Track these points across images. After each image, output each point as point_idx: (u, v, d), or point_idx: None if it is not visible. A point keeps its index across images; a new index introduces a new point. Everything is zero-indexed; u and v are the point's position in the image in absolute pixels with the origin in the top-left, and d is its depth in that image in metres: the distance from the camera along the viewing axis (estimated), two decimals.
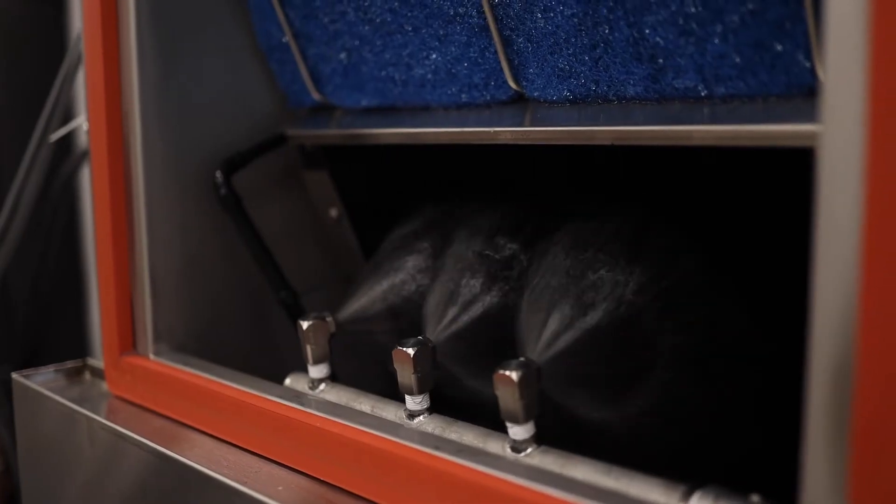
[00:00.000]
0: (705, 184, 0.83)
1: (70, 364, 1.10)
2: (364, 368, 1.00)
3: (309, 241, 1.08)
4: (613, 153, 0.78)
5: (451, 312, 0.79)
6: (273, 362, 1.01)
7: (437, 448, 0.69)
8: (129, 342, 1.00)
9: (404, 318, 0.86)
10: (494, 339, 0.78)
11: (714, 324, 0.74)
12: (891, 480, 0.44)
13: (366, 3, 0.88)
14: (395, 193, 1.04)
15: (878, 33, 0.42)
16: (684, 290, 0.73)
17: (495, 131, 0.81)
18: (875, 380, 0.44)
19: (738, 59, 0.65)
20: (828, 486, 0.46)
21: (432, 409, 0.78)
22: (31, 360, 1.60)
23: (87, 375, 1.10)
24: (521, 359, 0.69)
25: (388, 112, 0.94)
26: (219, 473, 0.78)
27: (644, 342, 0.72)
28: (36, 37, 1.86)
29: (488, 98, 0.84)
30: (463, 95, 0.86)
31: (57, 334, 1.94)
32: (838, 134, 0.45)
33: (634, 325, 0.72)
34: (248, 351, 1.04)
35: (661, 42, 0.69)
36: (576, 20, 0.73)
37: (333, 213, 1.05)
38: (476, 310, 0.79)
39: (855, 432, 0.45)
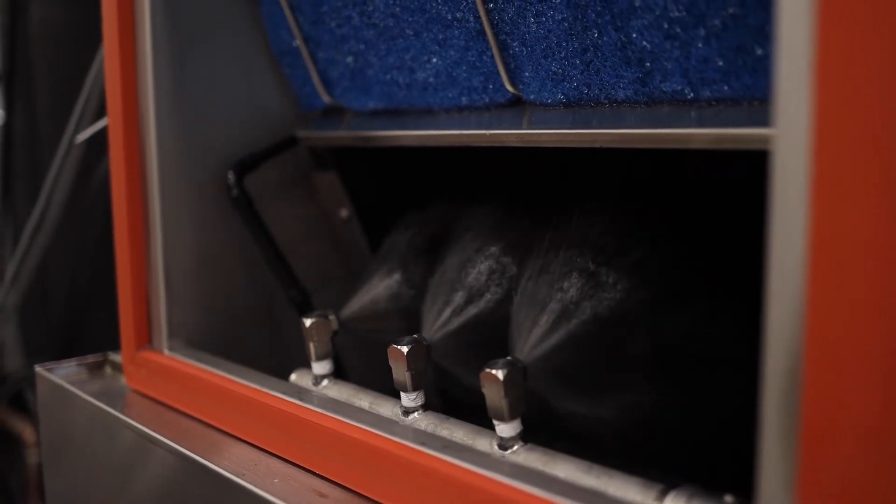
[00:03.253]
0: (694, 185, 0.84)
1: (91, 358, 1.13)
2: (373, 364, 1.01)
3: (319, 240, 1.10)
4: (609, 155, 0.79)
5: (447, 312, 0.81)
6: (284, 358, 1.03)
7: (423, 444, 0.71)
8: (145, 338, 1.03)
9: (404, 317, 0.87)
10: (488, 338, 0.80)
11: (701, 325, 0.74)
12: (834, 476, 0.44)
13: (369, 9, 0.90)
14: (404, 194, 1.05)
15: (823, 46, 0.44)
16: (670, 291, 0.74)
17: (492, 134, 0.82)
18: (821, 379, 0.45)
19: (721, 63, 0.66)
20: (781, 482, 0.47)
21: (427, 406, 0.79)
22: (69, 352, 1.65)
23: (108, 369, 1.14)
24: (508, 358, 0.71)
25: (395, 115, 0.96)
26: (218, 465, 0.80)
27: (630, 343, 0.73)
28: (76, 43, 1.92)
29: (487, 101, 0.85)
30: (463, 98, 0.87)
31: (97, 327, 2.00)
32: (789, 136, 0.46)
33: (621, 326, 0.73)
34: (261, 347, 1.07)
35: (648, 46, 0.70)
36: (566, 24, 0.74)
37: (343, 213, 1.07)
38: (471, 309, 0.81)
39: (803, 432, 0.46)
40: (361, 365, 1.08)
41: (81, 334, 1.99)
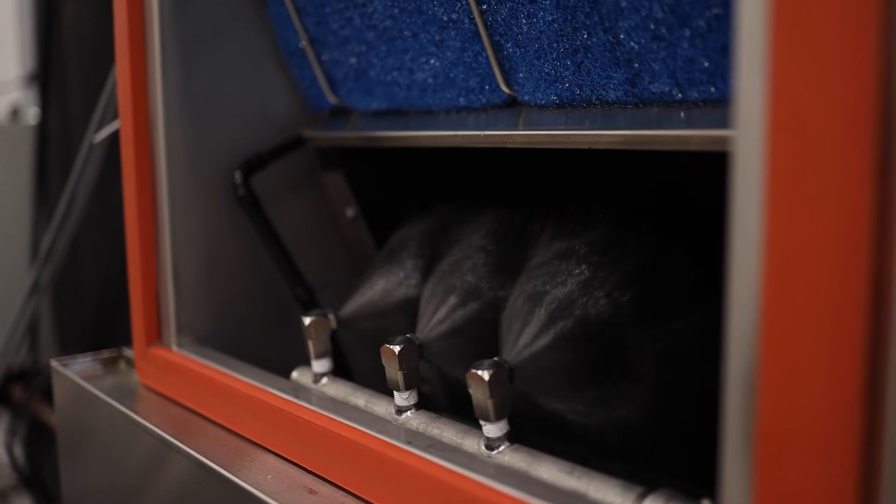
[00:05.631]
0: (680, 187, 0.83)
1: (106, 353, 1.15)
2: (375, 362, 1.02)
3: (326, 239, 1.11)
4: (602, 154, 0.78)
5: (440, 312, 0.81)
6: (289, 355, 1.04)
7: (409, 444, 0.71)
8: (155, 335, 1.05)
9: (401, 317, 0.88)
10: (482, 339, 0.80)
11: (692, 328, 0.74)
12: (790, 478, 0.44)
13: (369, 10, 0.90)
14: (409, 193, 1.06)
15: (777, 53, 0.44)
16: (661, 293, 0.73)
17: (486, 135, 0.83)
18: (777, 383, 0.45)
19: (706, 64, 0.66)
20: (741, 484, 0.47)
21: (420, 405, 0.80)
22: (102, 345, 1.67)
23: (122, 365, 1.16)
24: (495, 359, 0.71)
25: (397, 115, 0.97)
26: (216, 462, 0.81)
27: (620, 344, 0.73)
28: (108, 42, 1.95)
29: (484, 101, 0.86)
30: (461, 99, 0.88)
31: (128, 321, 2.04)
32: (748, 137, 0.46)
33: (611, 327, 0.72)
34: (268, 343, 1.08)
35: (636, 47, 0.69)
36: (556, 26, 0.74)
37: (349, 212, 1.08)
38: (464, 310, 0.81)
39: (760, 435, 0.46)
40: (365, 363, 1.09)
41: (113, 328, 2.03)
